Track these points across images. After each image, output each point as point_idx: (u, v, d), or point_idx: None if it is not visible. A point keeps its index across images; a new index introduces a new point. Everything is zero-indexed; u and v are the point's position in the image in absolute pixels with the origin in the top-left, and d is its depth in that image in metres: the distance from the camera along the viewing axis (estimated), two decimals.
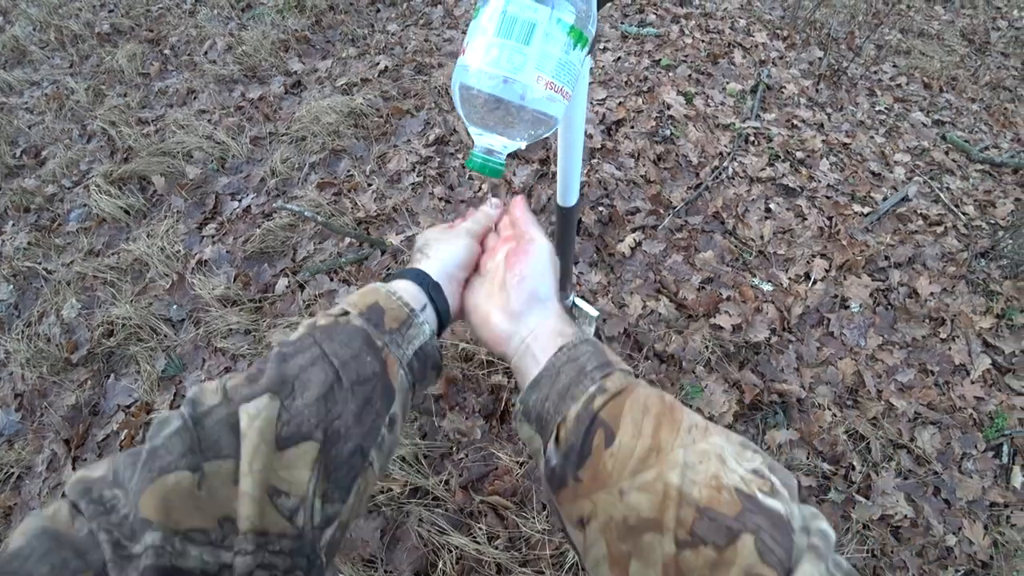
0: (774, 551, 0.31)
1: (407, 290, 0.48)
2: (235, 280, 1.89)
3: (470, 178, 2.14)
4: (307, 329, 0.43)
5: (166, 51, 2.86)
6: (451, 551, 1.33)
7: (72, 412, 1.64)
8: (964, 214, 2.21)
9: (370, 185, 2.13)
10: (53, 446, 1.59)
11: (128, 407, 1.65)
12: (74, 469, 1.54)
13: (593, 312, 1.46)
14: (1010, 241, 2.03)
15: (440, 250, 0.52)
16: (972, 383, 1.74)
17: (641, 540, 0.34)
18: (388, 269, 1.87)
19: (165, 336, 1.77)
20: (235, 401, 0.37)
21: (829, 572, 0.31)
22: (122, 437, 1.57)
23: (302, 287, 1.85)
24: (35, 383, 1.70)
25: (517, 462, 1.47)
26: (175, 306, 1.85)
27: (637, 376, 0.46)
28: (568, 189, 0.88)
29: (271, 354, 0.41)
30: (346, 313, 0.44)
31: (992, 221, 2.19)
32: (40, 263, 1.98)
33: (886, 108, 2.71)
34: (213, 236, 2.03)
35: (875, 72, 2.94)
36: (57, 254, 2.01)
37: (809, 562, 0.31)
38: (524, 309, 0.48)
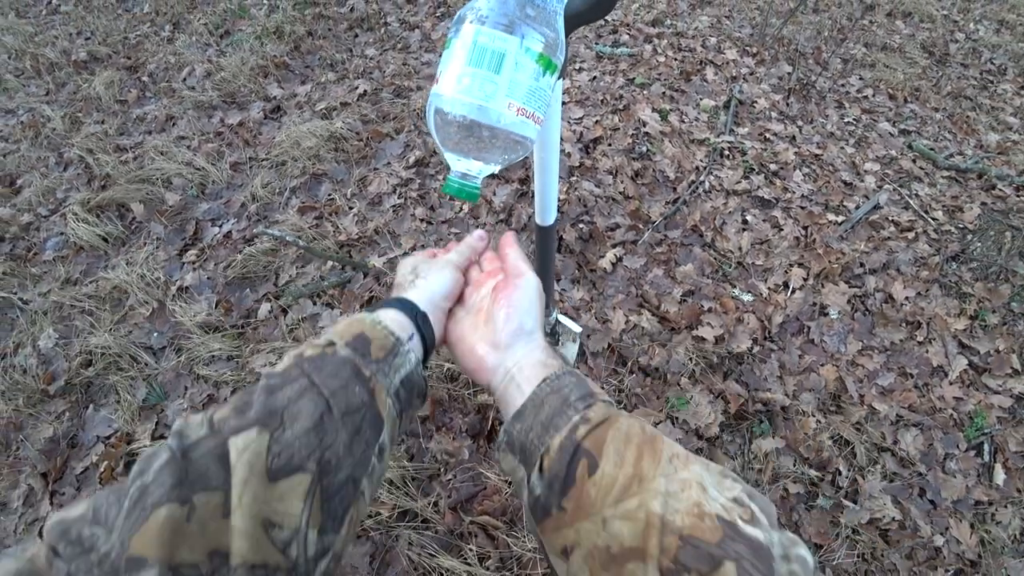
0: None
1: (394, 319, 0.48)
2: (217, 306, 1.87)
3: (451, 199, 2.16)
4: (294, 360, 0.43)
5: (144, 78, 2.86)
6: (442, 574, 1.32)
7: (49, 445, 1.60)
8: (934, 219, 2.27)
9: (351, 208, 2.13)
10: (30, 480, 1.55)
11: (108, 438, 1.62)
12: (51, 503, 1.50)
13: (576, 328, 1.47)
14: (979, 244, 2.09)
15: (427, 279, 0.53)
16: (951, 384, 1.77)
17: (624, 569, 0.34)
18: (371, 292, 1.87)
19: (146, 364, 1.74)
20: (223, 433, 0.36)
21: None
22: (101, 469, 1.54)
23: (285, 312, 1.84)
24: (11, 416, 1.65)
25: (506, 481, 1.46)
26: (156, 334, 1.82)
27: (620, 405, 0.47)
28: (546, 208, 0.90)
29: (258, 386, 0.40)
30: (332, 344, 0.44)
31: (961, 225, 2.25)
32: (15, 293, 1.95)
33: (854, 119, 2.79)
34: (194, 262, 2.01)
35: (842, 85, 3.03)
36: (33, 283, 1.98)
37: None
38: (510, 341, 0.49)
